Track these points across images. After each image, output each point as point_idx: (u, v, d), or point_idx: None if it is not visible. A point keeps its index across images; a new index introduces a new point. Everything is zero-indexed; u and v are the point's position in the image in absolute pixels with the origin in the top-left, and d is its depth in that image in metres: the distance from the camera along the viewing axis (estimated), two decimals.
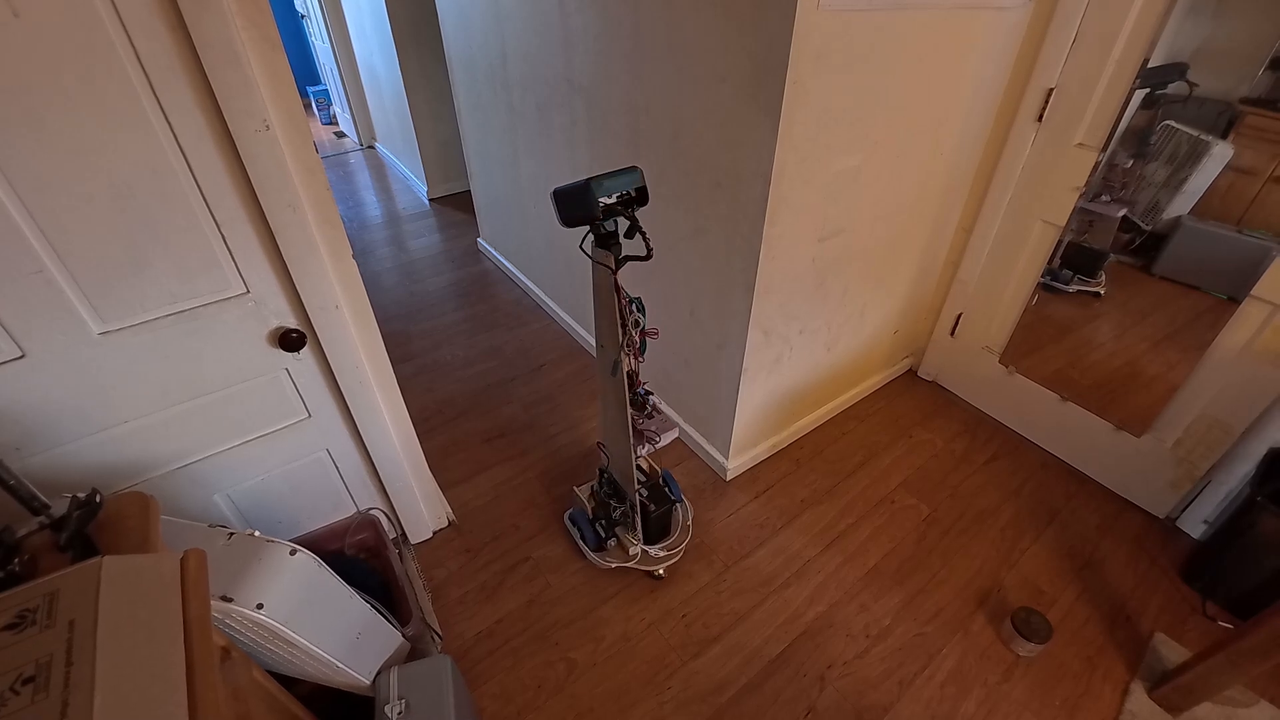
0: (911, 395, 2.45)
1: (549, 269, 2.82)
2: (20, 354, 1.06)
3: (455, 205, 4.23)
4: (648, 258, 1.23)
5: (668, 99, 1.58)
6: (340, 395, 1.45)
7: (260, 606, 0.82)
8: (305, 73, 6.52)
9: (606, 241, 1.27)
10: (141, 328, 1.15)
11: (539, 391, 2.46)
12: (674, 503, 1.80)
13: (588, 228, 1.25)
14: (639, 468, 1.71)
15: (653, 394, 1.57)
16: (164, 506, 1.37)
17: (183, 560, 0.72)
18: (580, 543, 1.84)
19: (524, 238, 2.94)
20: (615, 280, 1.30)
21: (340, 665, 1.01)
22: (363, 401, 1.48)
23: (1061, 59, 1.74)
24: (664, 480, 1.83)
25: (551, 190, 1.22)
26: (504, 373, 2.57)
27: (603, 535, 1.79)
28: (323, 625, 0.96)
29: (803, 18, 1.15)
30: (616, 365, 1.42)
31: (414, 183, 4.56)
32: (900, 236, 1.90)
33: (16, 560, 0.66)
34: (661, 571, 1.78)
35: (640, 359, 1.44)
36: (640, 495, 1.71)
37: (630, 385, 1.49)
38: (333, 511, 1.65)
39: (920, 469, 2.11)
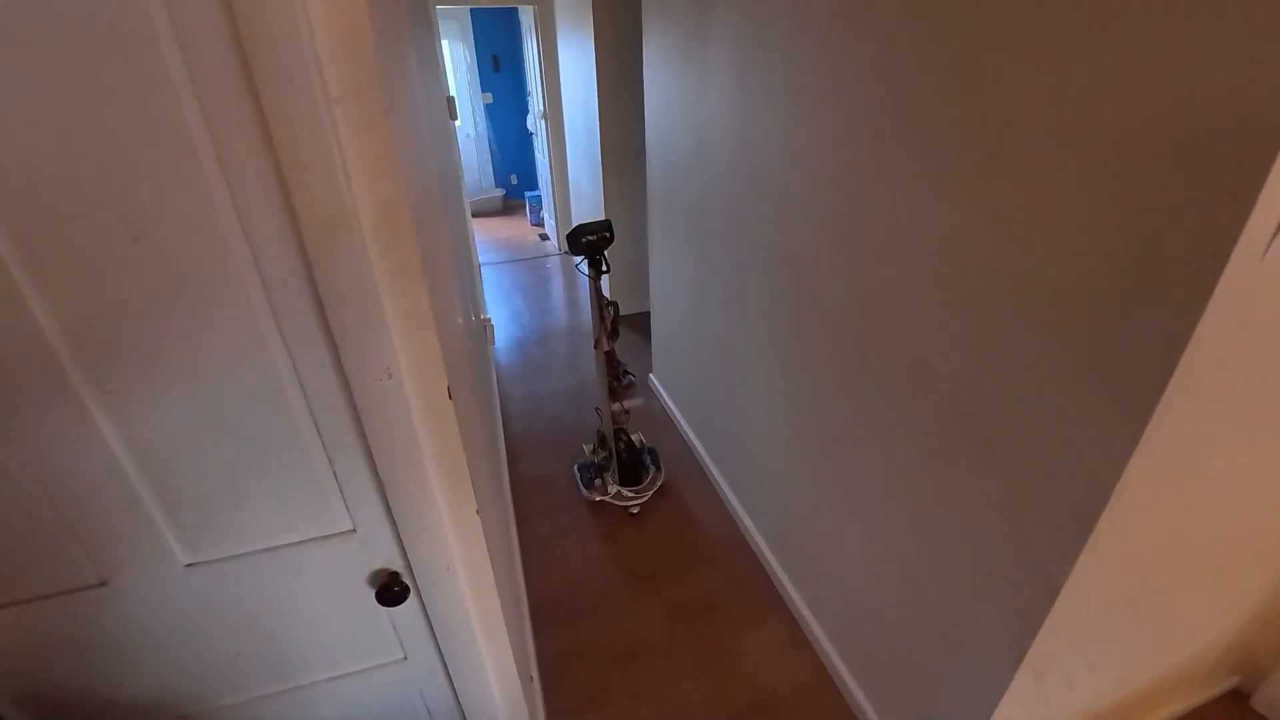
0: None
1: (717, 431, 2.44)
2: (101, 581, 0.93)
3: (635, 327, 4.10)
4: (606, 271, 2.11)
5: (927, 319, 1.15)
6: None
7: None
8: (528, 180, 7.20)
9: (593, 263, 2.07)
10: (233, 561, 0.97)
11: (687, 597, 2.02)
12: (646, 464, 2.48)
13: (583, 255, 2.05)
14: (630, 437, 2.45)
15: (630, 372, 2.53)
16: None
17: None
18: (579, 483, 2.48)
19: (697, 393, 2.62)
20: (597, 285, 2.13)
21: None
22: (465, 660, 1.17)
23: None
24: (647, 449, 2.54)
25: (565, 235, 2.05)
26: (651, 561, 2.18)
27: (592, 475, 2.44)
28: None
29: (1234, 273, 0.67)
30: (598, 341, 2.21)
31: None
32: (1270, 542, 1.22)
33: None
34: (635, 510, 2.35)
35: (613, 340, 2.22)
36: (619, 446, 2.37)
37: (611, 360, 2.27)
38: None
39: None
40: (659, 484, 2.42)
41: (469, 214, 4.04)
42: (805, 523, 1.80)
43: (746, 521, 2.25)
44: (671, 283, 2.70)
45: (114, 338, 0.73)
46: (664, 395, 3.12)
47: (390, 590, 1.02)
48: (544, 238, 6.27)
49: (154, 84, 0.59)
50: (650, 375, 3.31)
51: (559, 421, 3.03)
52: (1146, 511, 0.89)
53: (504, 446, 2.80)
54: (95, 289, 0.70)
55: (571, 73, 4.16)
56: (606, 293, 4.44)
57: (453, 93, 6.34)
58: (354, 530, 1.00)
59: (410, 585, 1.04)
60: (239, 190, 0.67)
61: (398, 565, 1.04)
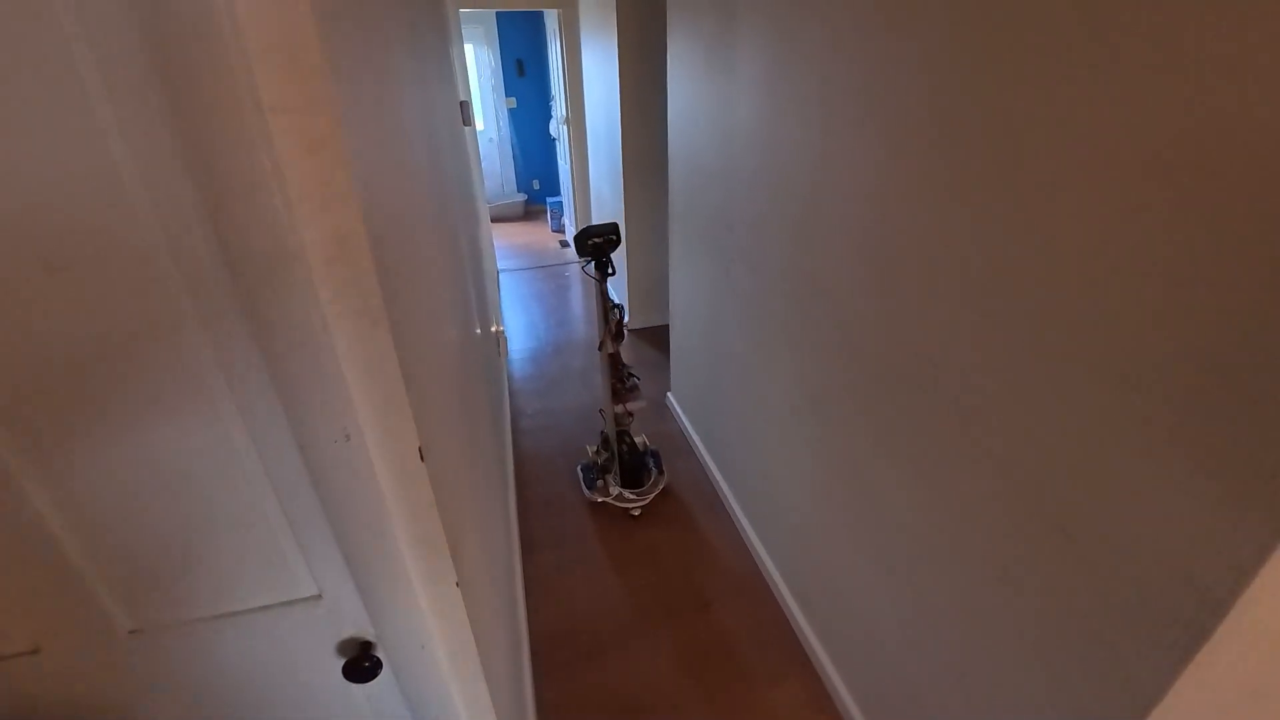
0: None
1: (736, 462, 2.29)
2: (33, 649, 0.82)
3: (652, 341, 3.97)
4: (612, 274, 2.13)
5: (976, 363, 0.99)
6: None
7: None
8: (550, 186, 7.13)
9: (599, 265, 2.10)
10: (183, 627, 0.86)
11: (700, 643, 1.87)
12: (649, 466, 2.47)
13: (589, 258, 2.09)
14: (632, 439, 2.42)
15: (635, 374, 2.31)
16: None
17: None
18: (582, 484, 2.47)
19: (716, 418, 2.47)
20: (603, 288, 2.13)
21: None
22: None
23: None
24: (651, 451, 2.55)
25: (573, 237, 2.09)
26: (664, 599, 2.04)
27: (595, 477, 2.44)
28: None
29: None
30: (602, 344, 2.21)
31: None
32: None
33: None
34: (636, 512, 2.35)
35: (617, 343, 2.20)
36: (621, 448, 2.37)
37: (615, 363, 2.26)
38: None
39: None
40: (661, 486, 2.44)
41: (487, 220, 3.96)
42: (832, 572, 1.64)
43: (766, 560, 2.09)
44: (691, 298, 2.56)
45: (32, 381, 0.62)
46: (681, 416, 2.97)
47: (359, 666, 0.89)
48: (564, 244, 6.17)
49: (53, 71, 0.48)
50: (668, 394, 3.16)
51: (571, 440, 2.90)
52: (1269, 624, 0.73)
53: (512, 469, 2.68)
54: (7, 325, 0.59)
55: (594, 78, 4.05)
56: (623, 298, 4.36)
57: (475, 97, 6.29)
58: (320, 596, 0.88)
59: (383, 660, 0.91)
60: (167, 215, 0.55)
61: (369, 635, 0.92)
